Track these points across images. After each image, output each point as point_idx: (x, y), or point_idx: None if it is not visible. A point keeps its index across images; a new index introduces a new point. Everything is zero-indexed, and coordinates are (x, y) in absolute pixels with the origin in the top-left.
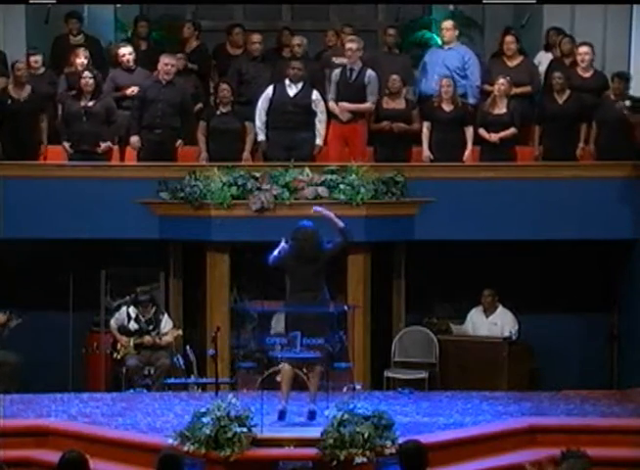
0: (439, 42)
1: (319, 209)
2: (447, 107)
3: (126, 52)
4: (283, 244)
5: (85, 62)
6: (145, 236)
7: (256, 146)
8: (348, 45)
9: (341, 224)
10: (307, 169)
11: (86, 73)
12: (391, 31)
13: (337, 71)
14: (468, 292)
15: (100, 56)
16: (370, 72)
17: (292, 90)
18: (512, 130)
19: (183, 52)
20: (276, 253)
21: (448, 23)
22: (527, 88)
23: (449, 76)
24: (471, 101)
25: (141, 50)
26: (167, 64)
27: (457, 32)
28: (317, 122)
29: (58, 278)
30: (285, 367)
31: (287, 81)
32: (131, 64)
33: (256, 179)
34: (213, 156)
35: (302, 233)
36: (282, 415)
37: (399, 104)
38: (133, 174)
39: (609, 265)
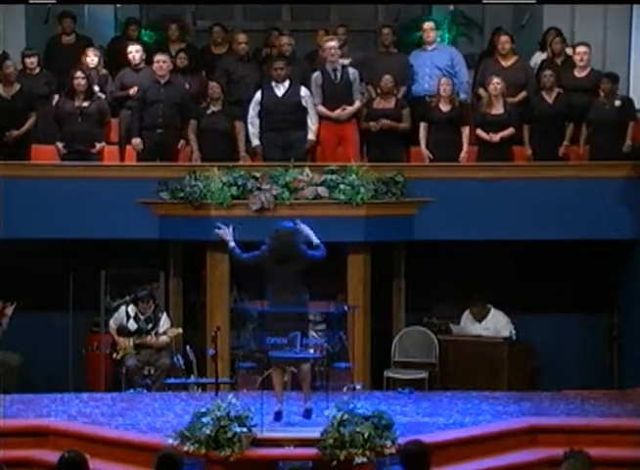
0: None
1: (301, 225)
2: (445, 107)
3: (133, 50)
4: (230, 233)
5: (96, 60)
6: (145, 236)
7: (252, 150)
8: (329, 44)
9: (316, 241)
10: (307, 169)
11: (78, 73)
12: (386, 31)
13: (317, 74)
14: (468, 292)
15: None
16: (353, 70)
17: (279, 90)
18: (510, 130)
19: (184, 51)
20: (232, 244)
21: (430, 24)
22: (524, 93)
23: (447, 76)
24: (462, 97)
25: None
26: (159, 61)
27: (440, 32)
28: (308, 119)
29: (58, 278)
30: (274, 369)
31: (273, 83)
32: (137, 61)
33: (256, 179)
34: (204, 155)
35: (280, 234)
36: (278, 416)
37: (390, 103)
38: (133, 174)
39: (609, 265)
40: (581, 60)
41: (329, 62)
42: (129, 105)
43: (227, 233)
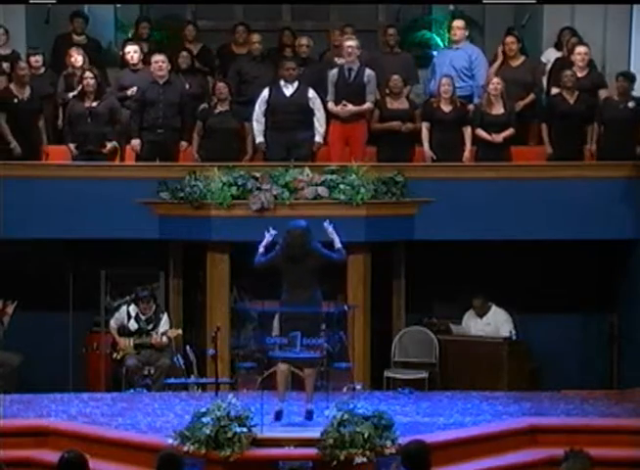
0: (439, 42)
1: (329, 227)
2: (446, 107)
3: (131, 50)
4: (267, 237)
5: (80, 59)
6: (145, 236)
7: (255, 147)
8: (348, 43)
9: (338, 245)
10: (307, 169)
11: (87, 74)
12: (391, 31)
13: (334, 72)
14: (468, 292)
15: (100, 56)
16: (369, 72)
17: (288, 90)
18: (511, 130)
19: (188, 51)
20: (262, 249)
21: (459, 23)
22: (532, 96)
23: (449, 76)
24: (476, 101)
25: (143, 51)
26: (157, 61)
27: (467, 32)
28: (315, 121)
29: (58, 278)
30: (280, 367)
31: (282, 82)
32: (135, 62)
33: (256, 179)
34: (210, 155)
35: (291, 233)
36: (278, 416)
37: (402, 104)
38: (133, 174)
39: (609, 265)
40: (582, 60)
41: (347, 61)
42: (128, 105)
43: (268, 241)
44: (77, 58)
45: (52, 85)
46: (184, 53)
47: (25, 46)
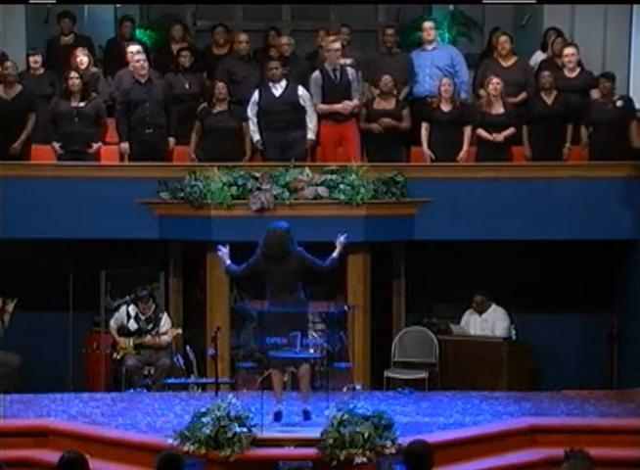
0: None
1: (341, 238)
2: (446, 107)
3: (134, 50)
4: (223, 252)
5: (86, 60)
6: (145, 236)
7: (254, 146)
8: (335, 46)
9: (335, 255)
10: (307, 169)
11: (73, 74)
12: (390, 31)
13: (316, 74)
14: (468, 292)
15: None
16: (351, 70)
17: (277, 90)
18: (512, 130)
19: (188, 50)
20: (228, 262)
21: (430, 24)
22: (524, 95)
23: (448, 76)
24: (462, 96)
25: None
26: (139, 60)
27: (440, 32)
28: (307, 118)
29: (58, 278)
30: (273, 371)
31: (270, 83)
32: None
33: (256, 179)
34: (209, 155)
35: (270, 233)
36: (277, 417)
37: (390, 104)
38: (133, 174)
39: (609, 265)
40: (570, 61)
41: (330, 62)
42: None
43: (225, 253)
44: (83, 59)
45: (51, 86)
46: (185, 52)
47: (25, 46)
